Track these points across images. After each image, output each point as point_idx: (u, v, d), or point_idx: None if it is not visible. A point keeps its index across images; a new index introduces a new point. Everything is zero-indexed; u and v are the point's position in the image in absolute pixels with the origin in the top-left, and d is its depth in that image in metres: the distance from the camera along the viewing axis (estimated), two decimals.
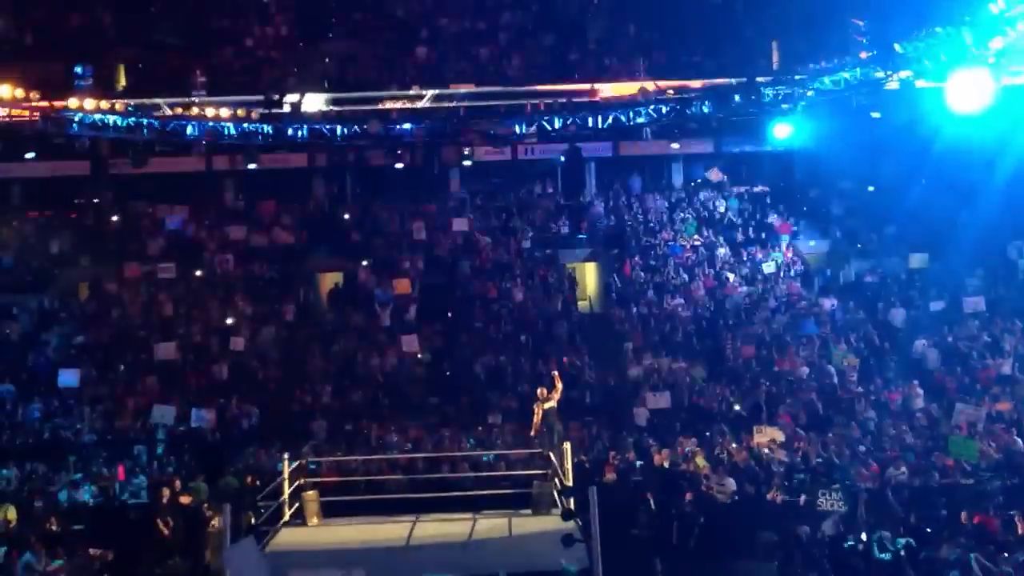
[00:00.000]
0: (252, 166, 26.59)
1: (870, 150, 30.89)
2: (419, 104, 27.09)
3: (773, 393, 22.64)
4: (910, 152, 30.09)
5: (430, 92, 27.36)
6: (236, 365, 24.67)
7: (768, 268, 27.80)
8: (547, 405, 16.77)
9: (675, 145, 27.47)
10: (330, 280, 29.43)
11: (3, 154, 30.53)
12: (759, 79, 22.62)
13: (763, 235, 29.60)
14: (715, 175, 31.90)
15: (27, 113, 23.22)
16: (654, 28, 32.80)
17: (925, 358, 24.03)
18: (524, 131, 25.16)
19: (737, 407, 22.38)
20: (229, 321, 26.24)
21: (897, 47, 19.59)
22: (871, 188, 31.39)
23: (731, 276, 27.47)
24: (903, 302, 26.24)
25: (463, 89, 28.17)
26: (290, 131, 25.00)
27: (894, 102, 22.78)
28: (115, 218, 30.77)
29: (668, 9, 33.12)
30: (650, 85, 24.94)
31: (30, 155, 26.69)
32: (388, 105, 27.16)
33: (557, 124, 24.68)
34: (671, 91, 24.75)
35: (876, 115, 22.54)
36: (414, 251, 28.84)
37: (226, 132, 24.68)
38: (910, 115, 26.60)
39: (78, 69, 26.29)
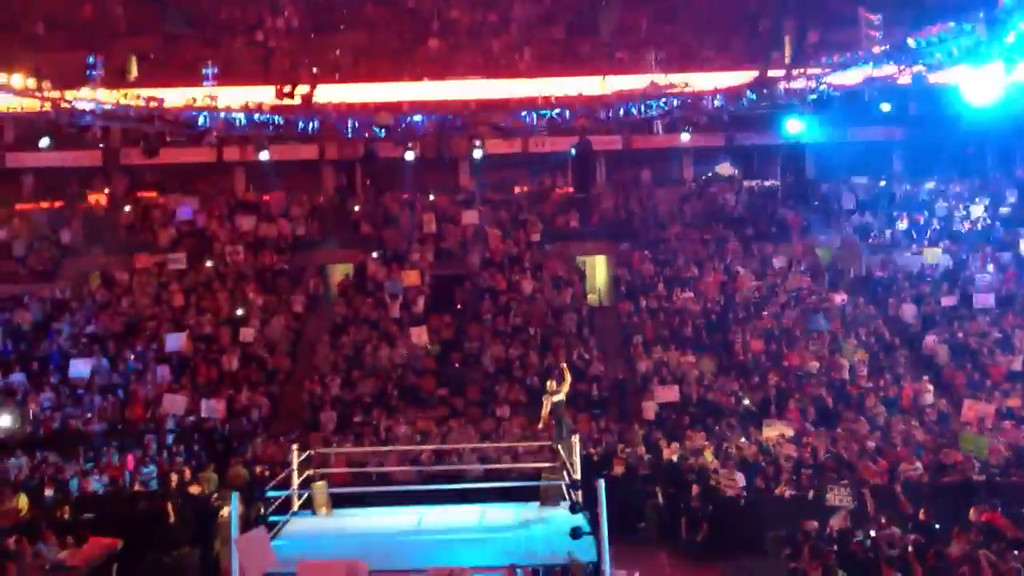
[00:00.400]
0: (263, 157, 26.64)
1: (882, 144, 30.84)
2: (430, 96, 27.15)
3: (782, 388, 22.61)
4: (922, 147, 30.04)
5: (442, 84, 27.42)
6: (246, 356, 24.75)
7: (778, 262, 27.75)
8: (556, 398, 16.74)
9: (685, 138, 27.40)
10: (340, 271, 29.53)
11: (15, 144, 30.71)
12: (771, 73, 22.54)
13: (773, 229, 29.56)
14: (726, 169, 31.83)
15: (39, 103, 23.27)
16: (666, 21, 32.77)
17: (936, 354, 23.98)
18: (534, 124, 25.12)
19: (746, 401, 22.34)
20: (239, 312, 26.32)
21: (910, 41, 19.48)
22: (882, 182, 31.33)
23: (741, 270, 27.41)
24: (914, 297, 26.16)
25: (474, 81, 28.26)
26: (301, 123, 25.02)
27: (906, 97, 22.71)
28: (127, 208, 30.88)
29: (680, 2, 33.10)
30: (661, 78, 24.86)
31: (43, 144, 26.74)
32: (399, 96, 27.22)
33: (568, 117, 24.63)
34: (682, 84, 24.68)
35: (886, 107, 22.40)
36: (424, 243, 28.87)
37: (237, 123, 24.72)
38: (922, 109, 26.57)
39: (90, 59, 26.33)
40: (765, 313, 25.54)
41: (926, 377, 22.69)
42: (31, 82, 22.58)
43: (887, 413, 21.35)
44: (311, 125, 25.25)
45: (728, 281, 27.04)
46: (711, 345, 24.83)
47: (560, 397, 16.71)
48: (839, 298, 26.20)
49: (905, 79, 20.61)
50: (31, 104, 23.44)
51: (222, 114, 24.50)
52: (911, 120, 28.01)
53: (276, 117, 24.83)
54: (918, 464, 17.92)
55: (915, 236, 28.86)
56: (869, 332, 24.86)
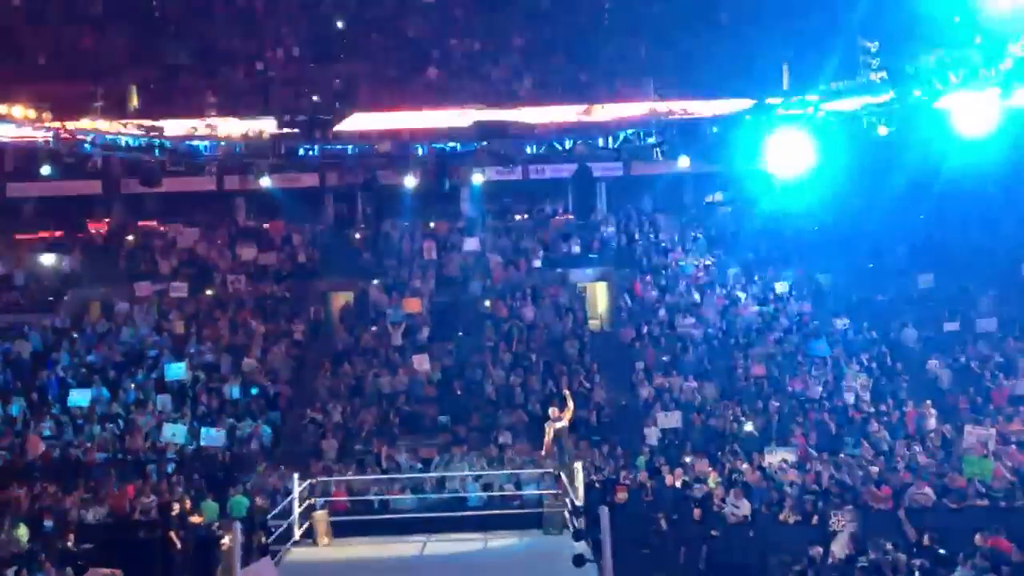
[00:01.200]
0: (263, 185, 26.67)
1: (881, 170, 30.82)
2: (430, 124, 27.24)
3: (785, 413, 22.52)
4: (922, 171, 30.01)
5: (442, 112, 27.53)
6: (247, 384, 24.68)
7: (780, 288, 27.73)
8: (558, 424, 16.69)
9: (686, 164, 27.46)
10: (341, 299, 29.51)
11: (16, 173, 30.79)
12: (769, 100, 22.62)
13: (775, 254, 29.55)
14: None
15: (40, 133, 23.35)
16: (664, 49, 32.93)
17: (938, 378, 23.92)
18: (535, 151, 25.21)
19: (749, 427, 22.26)
20: (240, 340, 26.26)
21: (907, 68, 19.58)
22: (883, 208, 31.29)
23: (742, 296, 27.40)
24: (916, 322, 26.12)
25: (474, 109, 28.31)
26: (301, 151, 25.09)
27: (904, 122, 22.76)
28: (129, 237, 30.93)
29: (678, 30, 33.27)
30: (661, 105, 24.97)
31: (44, 172, 26.83)
32: (397, 125, 27.35)
33: (567, 144, 24.70)
34: (682, 111, 24.77)
35: (883, 131, 22.43)
36: (425, 270, 28.89)
37: (237, 152, 24.79)
38: (921, 135, 26.59)
39: (91, 89, 26.46)
40: (767, 338, 25.50)
41: (929, 401, 22.62)
42: (32, 112, 22.67)
43: (890, 438, 21.27)
44: (311, 153, 25.34)
45: (730, 306, 27.02)
46: (713, 371, 24.78)
47: (562, 424, 16.67)
48: (841, 323, 26.17)
49: (902, 106, 20.68)
50: (33, 134, 23.49)
51: (223, 143, 24.58)
52: (908, 145, 28.02)
53: (277, 146, 24.90)
54: (927, 489, 17.80)
55: (914, 260, 28.83)
56: (871, 357, 24.80)
